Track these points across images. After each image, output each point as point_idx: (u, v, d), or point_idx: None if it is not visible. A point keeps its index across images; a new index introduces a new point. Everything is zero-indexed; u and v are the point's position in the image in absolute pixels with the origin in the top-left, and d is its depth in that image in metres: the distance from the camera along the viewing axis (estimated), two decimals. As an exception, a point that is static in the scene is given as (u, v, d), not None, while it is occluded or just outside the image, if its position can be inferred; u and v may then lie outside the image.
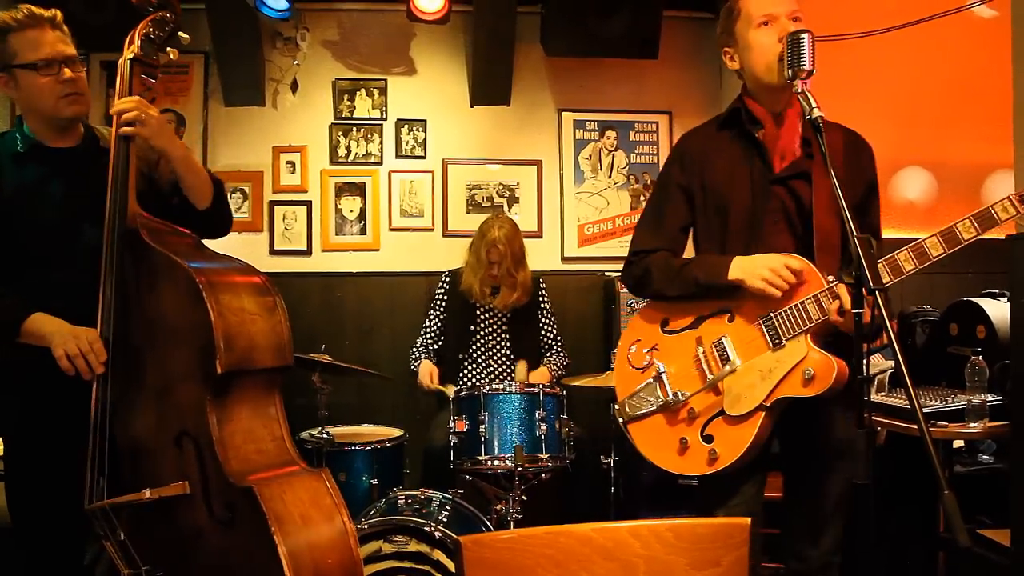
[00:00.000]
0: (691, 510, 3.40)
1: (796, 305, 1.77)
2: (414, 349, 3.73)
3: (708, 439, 1.86)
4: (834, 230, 1.83)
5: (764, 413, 1.80)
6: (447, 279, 3.73)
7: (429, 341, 3.72)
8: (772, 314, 1.80)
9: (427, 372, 3.53)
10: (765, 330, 1.82)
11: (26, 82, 1.97)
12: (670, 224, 2.01)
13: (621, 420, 2.02)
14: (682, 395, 1.91)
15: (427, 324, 3.75)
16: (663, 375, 1.94)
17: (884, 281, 1.63)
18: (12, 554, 2.07)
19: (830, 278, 1.75)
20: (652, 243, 2.02)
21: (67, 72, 1.98)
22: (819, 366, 1.73)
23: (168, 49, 2.04)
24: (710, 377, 1.88)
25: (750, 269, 1.80)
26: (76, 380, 1.89)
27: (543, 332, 3.71)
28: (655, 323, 2.02)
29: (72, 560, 2.05)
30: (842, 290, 1.68)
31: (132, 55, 1.99)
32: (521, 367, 3.48)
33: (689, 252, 2.06)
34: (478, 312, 3.62)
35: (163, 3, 2.03)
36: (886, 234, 4.20)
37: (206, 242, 2.14)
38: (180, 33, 2.07)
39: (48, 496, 1.97)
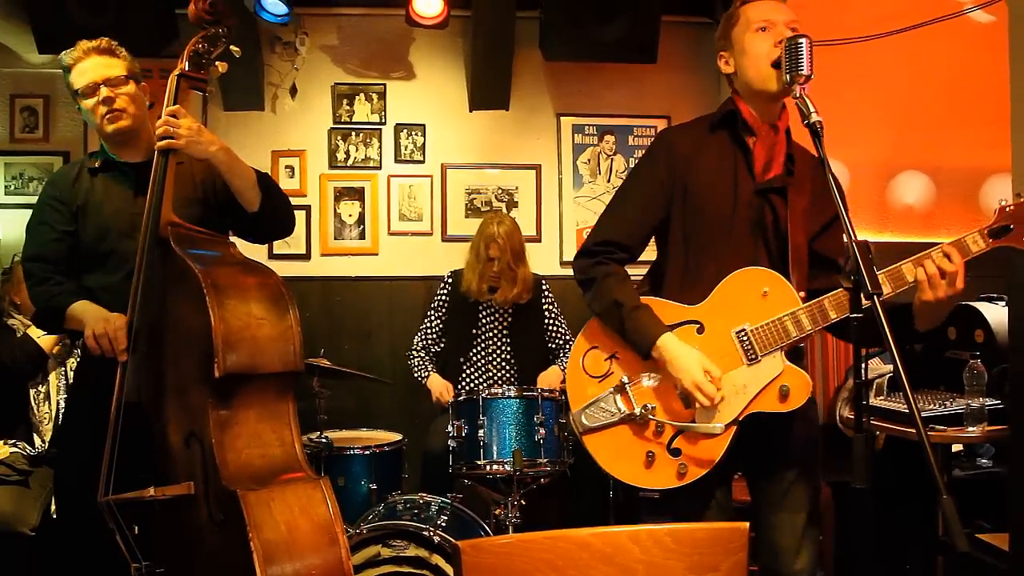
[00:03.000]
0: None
1: (773, 321, 1.75)
2: (414, 353, 3.68)
3: (676, 452, 1.80)
4: (803, 246, 1.85)
5: (736, 427, 1.77)
6: (449, 280, 3.71)
7: (430, 343, 3.69)
8: (747, 328, 1.77)
9: (442, 389, 3.46)
10: (740, 344, 1.78)
11: (83, 108, 2.20)
12: (642, 221, 1.93)
13: (578, 431, 1.90)
14: (651, 408, 1.82)
15: (426, 325, 3.70)
16: (626, 386, 1.85)
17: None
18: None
19: (802, 294, 1.77)
20: (619, 238, 1.92)
21: (103, 92, 2.15)
22: (795, 382, 1.74)
23: (217, 63, 2.18)
24: (680, 392, 1.80)
25: (677, 369, 1.76)
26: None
27: (551, 332, 3.66)
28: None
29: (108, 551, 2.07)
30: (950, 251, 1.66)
31: (179, 71, 2.13)
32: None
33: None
34: (480, 314, 3.60)
35: (216, 19, 2.14)
36: (885, 239, 4.20)
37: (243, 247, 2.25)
38: (232, 47, 2.20)
39: (91, 487, 2.00)
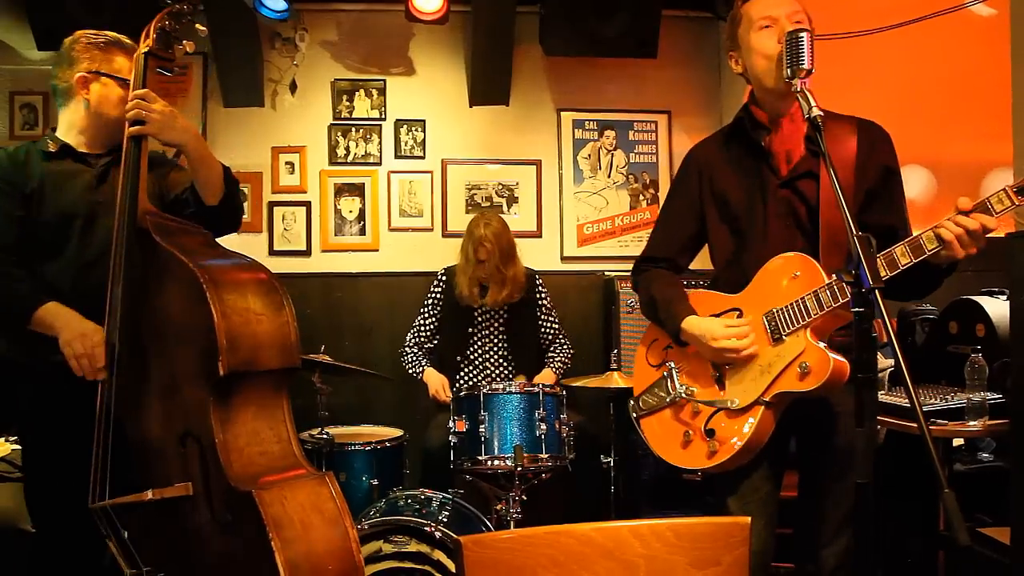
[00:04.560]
0: (692, 509, 3.40)
1: (797, 301, 1.78)
2: (407, 349, 3.67)
3: (710, 433, 1.88)
4: (841, 226, 1.82)
5: (763, 408, 1.81)
6: (443, 277, 3.70)
7: (423, 340, 3.68)
8: (774, 310, 1.82)
9: (438, 386, 3.47)
10: (767, 325, 1.83)
11: (112, 91, 2.13)
12: (678, 234, 2.09)
13: (634, 415, 2.07)
14: (688, 390, 1.94)
15: (420, 322, 3.69)
16: (673, 371, 1.98)
17: (882, 275, 1.63)
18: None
19: (834, 276, 1.75)
20: (657, 252, 2.12)
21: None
22: (815, 360, 1.74)
23: (184, 42, 2.08)
24: (715, 374, 1.91)
25: (700, 337, 1.88)
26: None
27: (543, 328, 3.68)
28: None
29: (90, 559, 2.04)
30: (963, 220, 1.64)
31: (146, 49, 2.02)
32: (519, 380, 3.41)
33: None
34: (476, 313, 3.60)
35: None
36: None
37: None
38: (197, 25, 2.11)
39: (65, 494, 1.97)
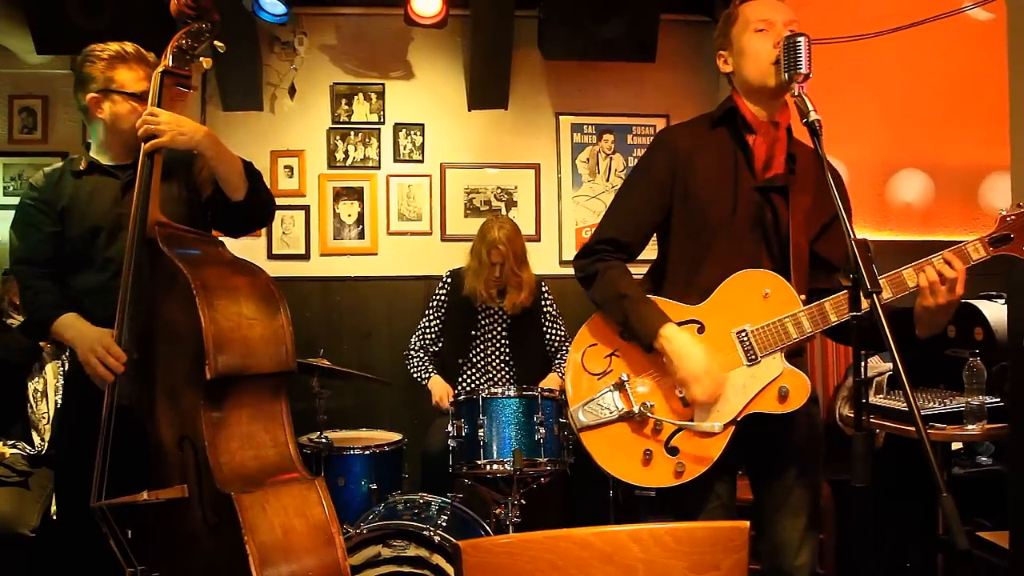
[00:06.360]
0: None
1: (775, 323, 1.76)
2: (412, 353, 3.67)
3: (673, 451, 1.79)
4: (804, 248, 1.85)
5: (734, 427, 1.77)
6: (448, 279, 3.70)
7: (428, 343, 3.68)
8: (748, 329, 1.78)
9: (442, 394, 3.45)
10: (740, 345, 1.79)
11: (121, 107, 2.16)
12: (641, 220, 1.95)
13: (575, 428, 1.89)
14: (649, 406, 1.82)
15: (425, 324, 3.69)
16: (625, 383, 1.85)
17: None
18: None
19: (802, 296, 1.76)
20: (623, 235, 1.94)
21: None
22: (795, 384, 1.74)
23: (202, 59, 2.14)
24: (678, 390, 1.81)
25: (682, 357, 1.75)
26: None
27: (549, 335, 3.66)
28: (615, 327, 1.92)
29: (105, 557, 2.07)
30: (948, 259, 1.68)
31: (163, 68, 2.09)
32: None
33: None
34: (479, 316, 3.59)
35: (200, 14, 2.12)
36: (885, 236, 4.20)
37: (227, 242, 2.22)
38: (216, 42, 2.16)
39: (84, 494, 2.00)
